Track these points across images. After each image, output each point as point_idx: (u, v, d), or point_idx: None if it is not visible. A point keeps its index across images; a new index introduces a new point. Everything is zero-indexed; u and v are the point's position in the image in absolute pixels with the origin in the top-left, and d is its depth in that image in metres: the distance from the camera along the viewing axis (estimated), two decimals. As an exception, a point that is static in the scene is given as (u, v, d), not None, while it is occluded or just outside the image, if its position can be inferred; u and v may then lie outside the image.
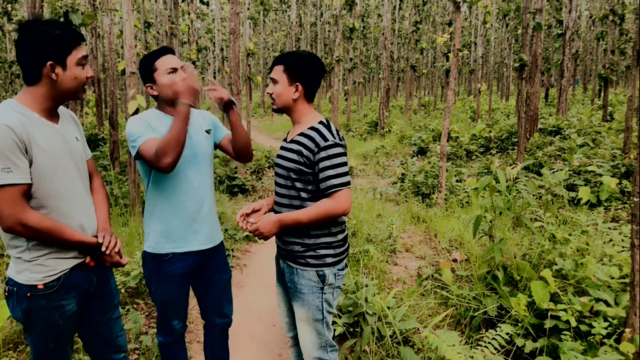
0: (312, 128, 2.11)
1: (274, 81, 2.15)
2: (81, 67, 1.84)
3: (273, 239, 2.26)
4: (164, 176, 2.24)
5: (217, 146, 2.49)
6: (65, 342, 1.94)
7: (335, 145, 2.05)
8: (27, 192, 1.73)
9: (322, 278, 2.14)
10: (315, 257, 2.13)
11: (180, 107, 2.10)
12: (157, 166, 2.07)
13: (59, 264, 1.84)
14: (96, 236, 1.95)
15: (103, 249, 1.92)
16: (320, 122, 2.14)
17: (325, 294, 2.16)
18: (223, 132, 2.50)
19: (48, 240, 1.78)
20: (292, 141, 2.15)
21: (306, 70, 2.11)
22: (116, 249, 1.97)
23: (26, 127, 1.71)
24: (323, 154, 2.02)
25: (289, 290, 2.23)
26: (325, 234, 2.14)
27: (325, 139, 2.04)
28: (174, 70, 2.23)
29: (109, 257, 1.96)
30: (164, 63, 2.24)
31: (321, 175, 2.03)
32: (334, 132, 2.11)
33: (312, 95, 2.19)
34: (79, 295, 1.92)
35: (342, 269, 2.22)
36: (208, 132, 2.42)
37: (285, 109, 2.18)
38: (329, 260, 2.15)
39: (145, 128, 2.18)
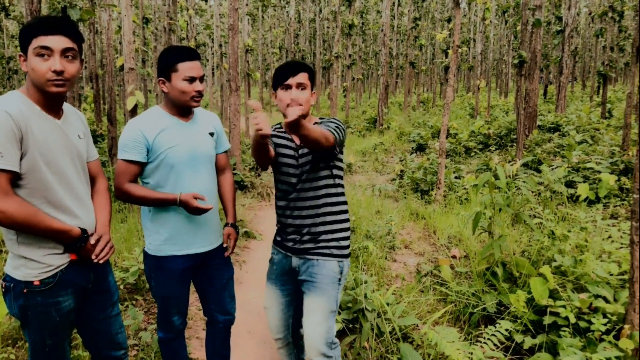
0: (316, 123, 2.29)
1: (302, 86, 2.19)
2: (40, 57, 1.73)
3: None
4: (164, 180, 2.24)
5: None
6: (62, 338, 1.93)
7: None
8: (12, 181, 1.70)
9: (341, 269, 2.26)
10: (338, 247, 2.26)
11: (180, 200, 2.17)
12: (114, 186, 2.25)
13: (54, 260, 1.82)
14: (90, 234, 1.92)
15: (93, 257, 1.89)
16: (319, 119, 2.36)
17: (340, 284, 2.26)
18: (221, 146, 2.49)
19: (25, 228, 1.73)
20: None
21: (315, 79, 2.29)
22: (103, 260, 1.92)
23: (25, 117, 1.70)
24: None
25: (305, 284, 2.26)
26: (344, 220, 2.30)
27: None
28: (192, 79, 2.20)
29: (93, 253, 1.91)
30: (187, 69, 2.18)
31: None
32: None
33: None
34: (75, 291, 1.91)
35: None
36: (212, 134, 2.40)
37: (305, 116, 2.22)
38: (346, 251, 2.30)
39: (133, 144, 2.19)
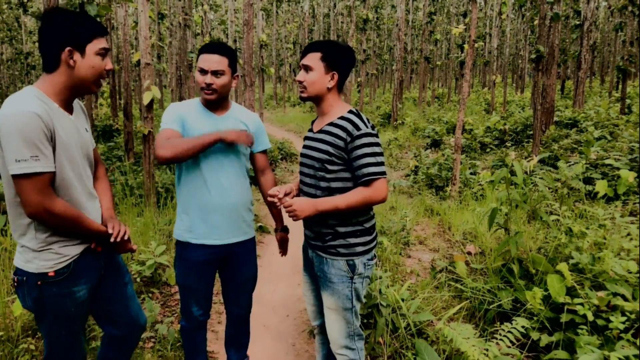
0: (343, 118, 2.09)
1: (308, 68, 2.10)
2: (100, 57, 1.84)
3: (300, 229, 2.28)
4: (188, 168, 2.32)
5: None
6: (78, 329, 1.95)
7: (369, 134, 2.04)
8: (52, 180, 1.74)
9: (352, 267, 2.14)
10: (346, 246, 2.13)
11: (217, 136, 2.16)
12: (155, 153, 2.26)
13: (68, 251, 1.84)
14: (105, 225, 1.97)
15: (112, 239, 1.93)
16: (350, 112, 2.12)
17: (354, 283, 2.16)
18: (260, 145, 2.51)
19: (69, 228, 1.79)
20: (322, 131, 2.13)
21: (343, 59, 2.10)
22: (125, 237, 1.99)
23: (51, 116, 1.72)
24: (357, 142, 2.01)
25: (318, 280, 2.24)
26: (354, 223, 2.13)
27: (358, 128, 2.02)
28: (203, 71, 2.26)
29: (121, 245, 2.02)
30: (201, 60, 2.27)
31: (357, 164, 2.02)
32: (365, 120, 2.09)
33: (343, 85, 2.17)
34: (89, 281, 1.93)
35: (371, 259, 2.22)
36: None
37: (316, 98, 2.15)
38: (359, 249, 2.15)
39: (173, 119, 2.27)
